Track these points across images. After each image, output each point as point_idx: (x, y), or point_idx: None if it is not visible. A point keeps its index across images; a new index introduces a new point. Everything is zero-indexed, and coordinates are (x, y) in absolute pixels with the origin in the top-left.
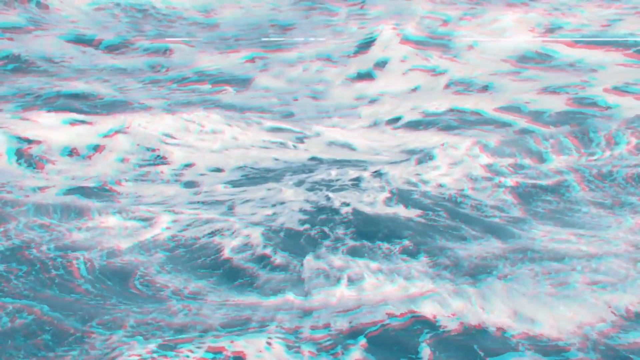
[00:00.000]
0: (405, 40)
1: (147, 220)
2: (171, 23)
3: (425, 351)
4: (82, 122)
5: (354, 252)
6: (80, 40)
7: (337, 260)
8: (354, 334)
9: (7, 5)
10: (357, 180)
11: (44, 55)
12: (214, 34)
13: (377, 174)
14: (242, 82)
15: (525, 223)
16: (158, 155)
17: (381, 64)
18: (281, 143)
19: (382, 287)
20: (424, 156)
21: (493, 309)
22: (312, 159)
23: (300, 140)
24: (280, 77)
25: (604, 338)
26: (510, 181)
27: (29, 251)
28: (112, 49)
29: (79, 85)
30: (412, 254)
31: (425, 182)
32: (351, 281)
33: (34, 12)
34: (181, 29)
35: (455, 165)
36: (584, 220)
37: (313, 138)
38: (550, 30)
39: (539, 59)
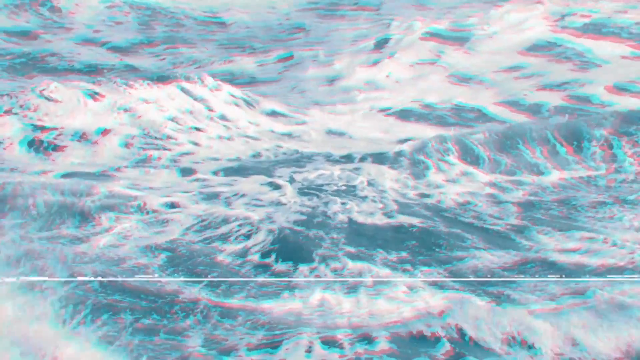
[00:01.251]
0: (425, 36)
1: (147, 223)
2: (180, 20)
3: (445, 346)
4: (95, 93)
5: (355, 258)
6: (92, 41)
7: (338, 267)
8: (375, 332)
9: (18, 8)
10: (353, 187)
11: (54, 54)
12: (226, 36)
13: (372, 182)
14: (262, 81)
15: (530, 233)
16: (159, 144)
17: (395, 57)
18: (283, 134)
19: (391, 294)
20: (419, 168)
21: (507, 316)
22: (310, 152)
23: (301, 126)
24: (299, 71)
25: None
26: (510, 196)
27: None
28: (123, 50)
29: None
30: (416, 262)
31: (426, 196)
32: (361, 287)
33: (46, 16)
34: (192, 29)
35: (450, 178)
36: (591, 229)
37: (313, 125)
38: (564, 19)
39: (548, 50)
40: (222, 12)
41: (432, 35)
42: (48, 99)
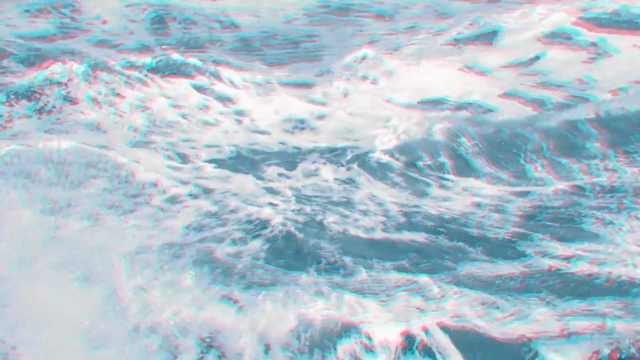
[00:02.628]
0: (448, 41)
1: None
2: (193, 17)
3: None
4: (115, 94)
5: (354, 269)
6: (107, 43)
7: (337, 276)
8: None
9: (41, 11)
10: (350, 198)
11: (66, 52)
12: (237, 37)
13: (373, 196)
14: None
15: (535, 242)
16: (165, 131)
17: (414, 56)
18: (293, 125)
19: (396, 303)
20: (418, 187)
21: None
22: (313, 146)
23: (308, 119)
24: (316, 64)
25: None
26: (513, 205)
27: None
28: (137, 51)
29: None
30: (417, 271)
31: (426, 207)
32: (368, 295)
33: (67, 15)
34: (204, 30)
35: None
36: (597, 238)
37: (322, 116)
38: (585, 12)
39: (566, 41)
40: (233, 15)
41: (457, 40)
42: (67, 99)
